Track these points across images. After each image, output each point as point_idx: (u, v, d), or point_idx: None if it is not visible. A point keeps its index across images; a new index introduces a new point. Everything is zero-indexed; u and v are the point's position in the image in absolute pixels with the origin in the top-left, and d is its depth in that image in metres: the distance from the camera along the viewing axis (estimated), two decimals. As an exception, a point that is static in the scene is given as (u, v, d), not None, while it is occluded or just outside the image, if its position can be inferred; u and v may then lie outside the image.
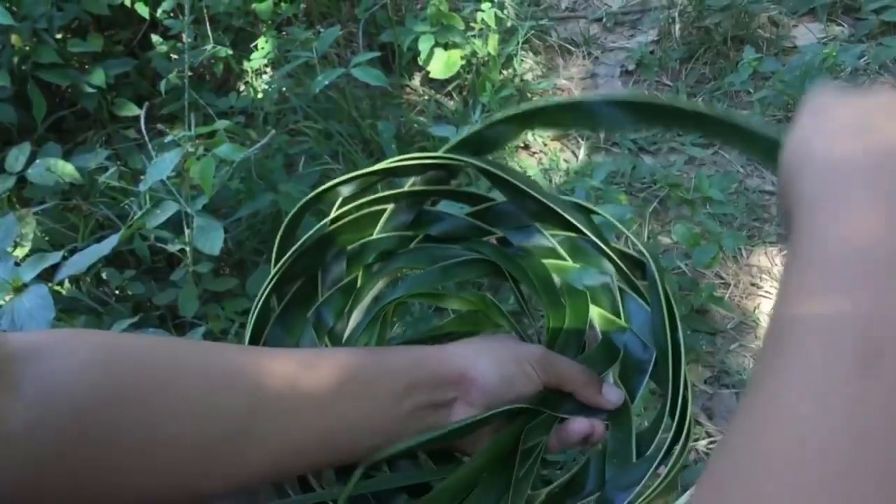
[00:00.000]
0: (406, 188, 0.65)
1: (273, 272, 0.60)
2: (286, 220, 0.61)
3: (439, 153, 0.63)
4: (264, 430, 0.47)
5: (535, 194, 0.60)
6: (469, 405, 0.54)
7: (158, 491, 0.44)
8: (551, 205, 0.60)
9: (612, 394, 0.58)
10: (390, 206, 0.65)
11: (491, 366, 0.54)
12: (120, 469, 0.42)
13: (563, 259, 0.63)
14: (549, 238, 0.64)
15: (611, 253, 0.60)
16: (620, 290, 0.61)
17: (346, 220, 0.63)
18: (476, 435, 0.55)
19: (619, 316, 0.61)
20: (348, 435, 0.50)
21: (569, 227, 0.62)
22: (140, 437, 0.42)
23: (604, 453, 0.56)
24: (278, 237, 0.61)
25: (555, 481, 0.56)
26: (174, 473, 0.44)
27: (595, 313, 0.62)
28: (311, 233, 0.62)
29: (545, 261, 0.64)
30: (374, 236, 0.65)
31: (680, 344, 0.54)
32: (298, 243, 0.61)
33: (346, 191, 0.63)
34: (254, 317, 0.58)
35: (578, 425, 0.57)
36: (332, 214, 0.63)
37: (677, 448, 0.51)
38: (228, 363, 0.48)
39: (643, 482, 0.49)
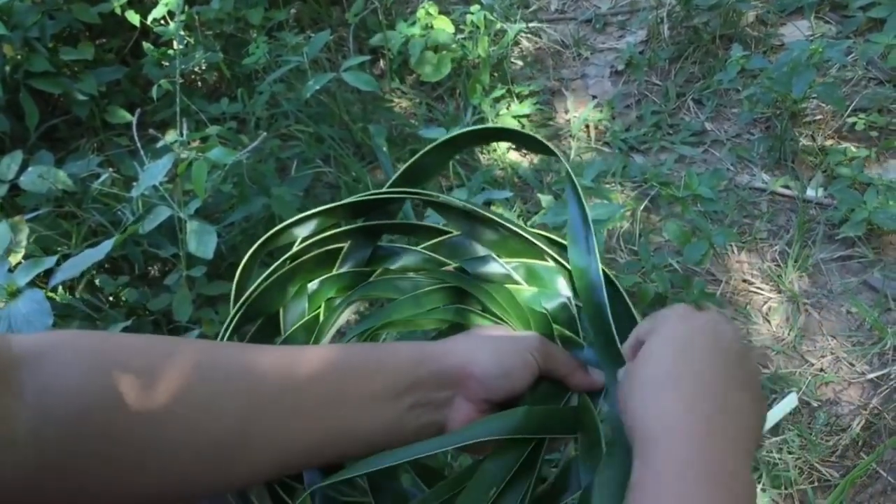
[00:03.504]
0: (360, 223, 0.66)
1: (232, 313, 0.60)
2: (243, 261, 0.62)
3: (393, 189, 0.65)
4: (267, 429, 0.47)
5: (491, 216, 0.63)
6: (468, 400, 0.55)
7: (160, 491, 0.45)
8: (507, 224, 0.62)
9: (597, 375, 0.60)
10: (347, 244, 0.66)
11: (491, 358, 0.55)
12: (121, 471, 0.43)
13: (520, 284, 0.65)
14: (504, 266, 0.65)
15: (567, 265, 0.62)
16: (578, 307, 0.63)
17: (305, 257, 0.64)
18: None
19: (577, 331, 0.63)
20: (348, 433, 0.51)
21: (521, 251, 0.64)
22: (139, 443, 0.43)
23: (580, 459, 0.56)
24: (235, 279, 0.61)
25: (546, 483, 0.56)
26: (177, 475, 0.45)
27: (555, 332, 0.63)
28: (268, 272, 0.62)
29: (506, 286, 0.66)
30: (334, 272, 0.66)
31: None
32: (257, 282, 0.61)
33: (303, 230, 0.64)
34: None
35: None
36: (291, 252, 0.64)
37: None
38: (230, 364, 0.48)
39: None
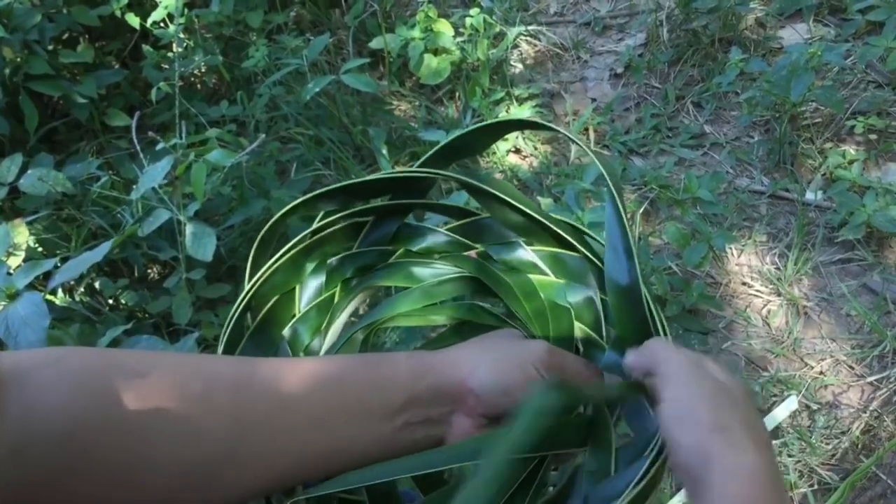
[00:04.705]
0: (385, 201, 0.64)
1: (248, 287, 0.58)
2: (259, 235, 0.60)
3: (422, 169, 0.62)
4: (257, 447, 0.46)
5: (520, 205, 0.60)
6: (466, 415, 0.53)
7: None
8: (534, 214, 0.60)
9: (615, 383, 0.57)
10: (370, 220, 0.64)
11: (491, 374, 0.53)
12: (107, 489, 0.42)
13: (546, 274, 0.62)
14: (530, 253, 0.63)
15: (596, 260, 0.59)
16: (603, 301, 0.59)
17: (327, 232, 0.62)
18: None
19: (601, 329, 0.60)
20: (342, 450, 0.50)
21: (551, 240, 0.62)
22: (126, 461, 0.42)
23: (584, 470, 0.54)
24: (252, 252, 0.59)
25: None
26: (163, 491, 0.44)
27: (577, 330, 0.60)
28: (287, 247, 0.61)
29: (529, 276, 0.63)
30: (354, 250, 0.64)
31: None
32: (274, 259, 0.60)
33: (326, 204, 0.62)
34: (226, 333, 0.56)
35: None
36: (314, 226, 0.62)
37: (650, 460, 0.48)
38: (219, 381, 0.47)
39: (623, 497, 0.46)
